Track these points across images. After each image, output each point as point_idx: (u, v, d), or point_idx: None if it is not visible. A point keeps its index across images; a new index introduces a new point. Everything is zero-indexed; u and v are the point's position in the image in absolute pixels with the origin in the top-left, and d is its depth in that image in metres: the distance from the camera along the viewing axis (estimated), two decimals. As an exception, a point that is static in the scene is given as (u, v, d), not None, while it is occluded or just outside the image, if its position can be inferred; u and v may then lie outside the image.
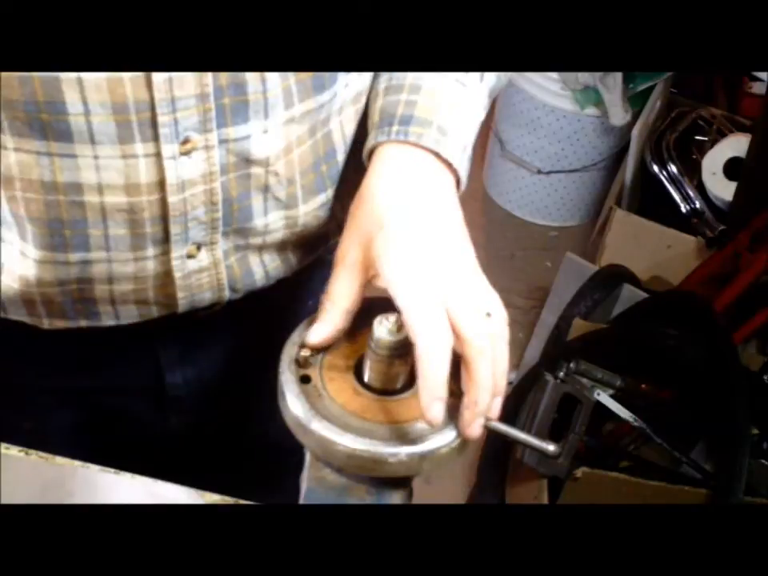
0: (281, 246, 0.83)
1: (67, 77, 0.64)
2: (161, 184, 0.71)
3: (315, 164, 0.79)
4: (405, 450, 0.62)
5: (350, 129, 0.82)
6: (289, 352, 0.67)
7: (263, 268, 0.83)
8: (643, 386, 1.70)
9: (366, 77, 0.81)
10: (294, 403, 0.64)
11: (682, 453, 1.63)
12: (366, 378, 0.66)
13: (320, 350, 0.67)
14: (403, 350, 0.64)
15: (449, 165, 0.73)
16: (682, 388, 1.71)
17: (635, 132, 2.26)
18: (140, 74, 0.66)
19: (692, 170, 2.30)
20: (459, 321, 0.63)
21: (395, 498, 0.65)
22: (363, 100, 0.82)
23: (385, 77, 0.79)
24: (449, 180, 0.73)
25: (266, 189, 0.77)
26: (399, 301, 0.63)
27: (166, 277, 0.78)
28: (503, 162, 2.63)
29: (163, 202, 0.72)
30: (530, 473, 1.65)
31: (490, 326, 0.64)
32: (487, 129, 2.64)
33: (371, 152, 0.74)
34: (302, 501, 0.66)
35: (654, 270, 2.15)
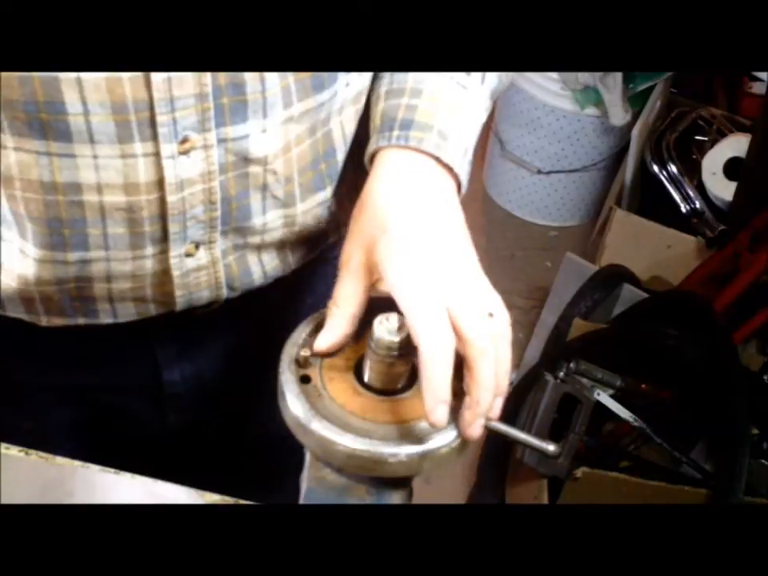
0: (279, 245, 0.83)
1: (67, 77, 0.64)
2: (159, 183, 0.71)
3: (314, 162, 0.80)
4: (405, 450, 0.62)
5: (350, 128, 0.82)
6: (289, 352, 0.67)
7: (261, 267, 0.83)
8: (643, 386, 1.70)
9: (366, 76, 0.81)
10: (294, 403, 0.64)
11: (682, 453, 1.63)
12: (366, 378, 0.66)
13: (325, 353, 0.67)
14: (403, 350, 0.64)
15: (449, 169, 0.73)
16: (681, 388, 1.71)
17: (635, 132, 2.26)
18: (139, 74, 0.66)
19: (692, 170, 2.30)
20: (461, 322, 0.63)
21: (395, 497, 0.65)
22: (363, 99, 0.82)
23: (386, 80, 0.79)
24: (450, 184, 0.73)
25: (264, 187, 0.77)
26: (402, 304, 0.64)
27: (164, 275, 0.78)
28: (503, 162, 2.63)
29: (162, 201, 0.72)
30: (530, 473, 1.65)
31: (492, 327, 0.64)
32: (487, 129, 2.64)
33: (372, 156, 0.74)
34: (301, 501, 0.66)
35: (654, 269, 2.15)
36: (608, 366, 1.66)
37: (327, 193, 0.82)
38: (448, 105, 0.76)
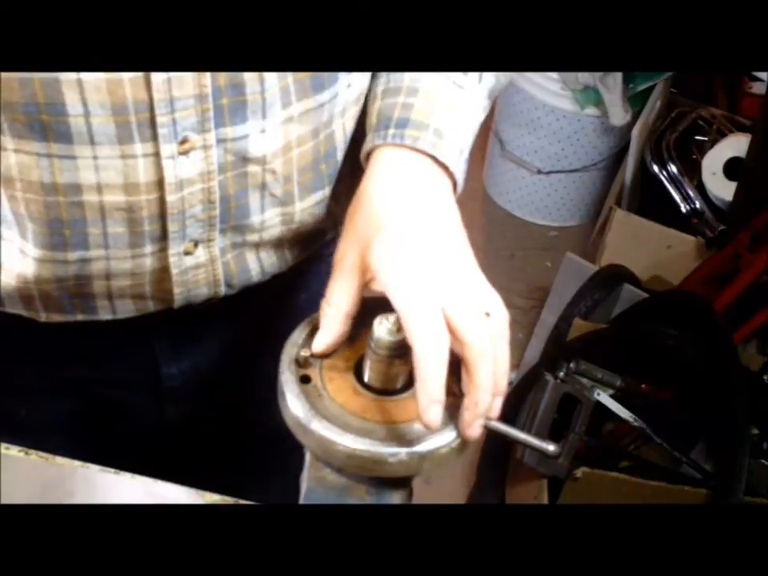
0: (277, 243, 0.83)
1: (67, 78, 0.65)
2: (159, 183, 0.72)
3: (315, 163, 0.80)
4: (405, 450, 0.62)
5: (351, 128, 0.82)
6: (289, 352, 0.67)
7: (259, 264, 0.83)
8: (643, 386, 1.70)
9: (368, 77, 0.81)
10: (294, 403, 0.64)
11: (682, 453, 1.63)
12: (365, 378, 0.66)
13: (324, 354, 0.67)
14: (403, 350, 0.64)
15: (445, 168, 0.73)
16: (681, 388, 1.71)
17: (635, 132, 2.26)
18: (139, 75, 0.66)
19: (692, 170, 2.30)
20: (458, 323, 0.63)
21: (395, 497, 0.65)
22: (363, 99, 0.82)
23: (383, 79, 0.79)
24: (445, 183, 0.73)
25: (263, 186, 0.77)
26: (396, 304, 0.63)
27: (163, 273, 0.78)
28: (503, 162, 2.63)
29: (161, 201, 0.73)
30: (530, 473, 1.65)
31: (490, 327, 0.64)
32: (487, 129, 2.64)
33: (368, 155, 0.74)
34: (301, 501, 0.66)
35: (654, 269, 2.15)
36: (608, 366, 1.66)
37: (326, 192, 0.83)
38: (444, 104, 0.76)
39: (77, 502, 0.74)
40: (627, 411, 1.60)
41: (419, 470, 0.63)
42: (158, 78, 0.66)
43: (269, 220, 0.80)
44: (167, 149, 0.70)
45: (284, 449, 0.69)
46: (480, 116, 0.81)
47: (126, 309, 0.81)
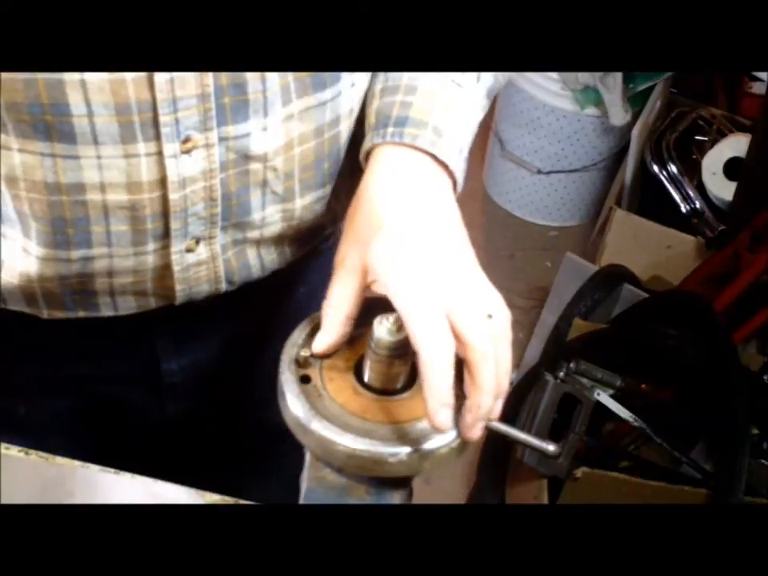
0: (277, 239, 0.83)
1: (71, 79, 0.65)
2: (162, 182, 0.72)
3: (318, 162, 0.80)
4: (405, 450, 0.62)
5: (354, 128, 0.82)
6: (289, 352, 0.67)
7: (260, 260, 0.84)
8: (643, 386, 1.70)
9: (370, 76, 0.81)
10: (294, 403, 0.64)
11: (682, 453, 1.63)
12: (366, 378, 0.66)
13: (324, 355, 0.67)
14: (403, 350, 0.64)
15: (445, 166, 0.73)
16: (681, 388, 1.71)
17: (635, 132, 2.26)
18: (142, 76, 0.67)
19: (692, 170, 2.30)
20: (460, 324, 0.62)
21: (395, 497, 0.65)
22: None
23: (381, 78, 0.79)
24: (445, 181, 0.73)
25: (264, 184, 0.77)
26: (399, 306, 0.63)
27: (165, 270, 0.79)
28: (503, 162, 2.63)
29: (164, 199, 0.73)
30: (530, 473, 1.65)
31: (492, 328, 0.64)
32: (487, 129, 2.64)
33: (368, 154, 0.74)
34: (301, 501, 0.66)
35: (654, 269, 2.15)
36: (608, 366, 1.66)
37: (326, 189, 0.83)
38: (443, 102, 0.76)
39: (77, 501, 0.74)
40: (627, 411, 1.60)
41: (419, 470, 0.63)
42: (161, 78, 0.67)
43: (269, 217, 0.80)
44: (170, 148, 0.70)
45: (284, 449, 0.69)
46: (479, 114, 0.81)
47: (128, 306, 0.82)
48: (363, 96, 0.81)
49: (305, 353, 0.66)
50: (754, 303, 1.85)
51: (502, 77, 0.85)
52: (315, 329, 0.68)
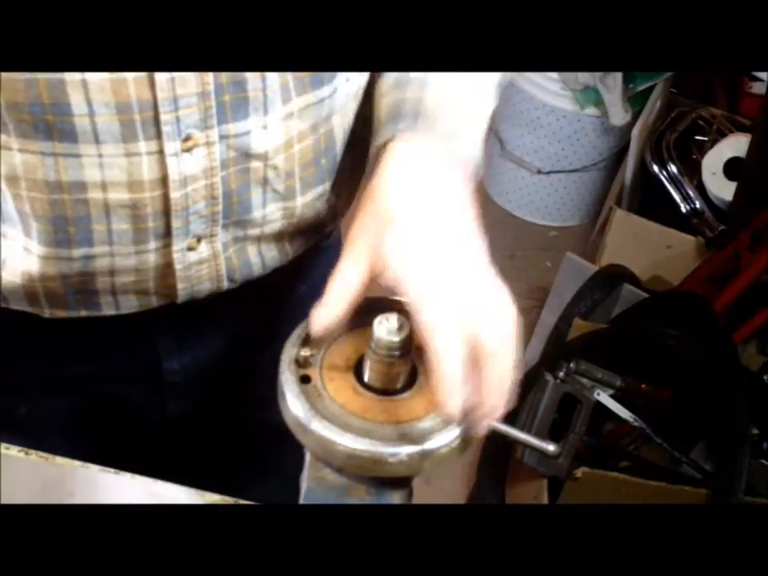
0: (278, 237, 0.84)
1: (72, 78, 0.65)
2: (163, 180, 0.72)
3: (315, 158, 0.80)
4: (405, 450, 0.62)
5: (349, 123, 0.82)
6: (289, 352, 0.67)
7: (261, 258, 0.84)
8: (643, 386, 1.70)
9: (366, 72, 0.81)
10: (294, 403, 0.64)
11: (682, 453, 1.63)
12: (366, 378, 0.66)
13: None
14: (403, 350, 0.64)
15: (460, 159, 0.72)
16: (681, 388, 1.71)
17: (635, 132, 2.26)
18: (143, 75, 0.67)
19: (692, 170, 2.30)
20: (469, 320, 0.62)
21: (395, 497, 0.65)
22: (361, 94, 0.82)
23: (389, 73, 0.79)
24: (460, 174, 0.72)
25: (264, 182, 0.78)
26: (410, 298, 0.63)
27: (166, 269, 0.79)
28: (503, 162, 2.63)
29: (165, 198, 0.73)
30: (530, 473, 1.65)
31: (500, 325, 0.64)
32: (487, 129, 2.64)
33: (381, 149, 0.74)
34: (301, 501, 0.65)
35: (654, 269, 2.15)
36: (608, 366, 1.66)
37: (326, 186, 0.83)
38: (455, 96, 0.75)
39: (77, 502, 0.74)
40: (627, 411, 1.60)
41: (419, 470, 0.63)
42: (161, 77, 0.67)
43: (270, 215, 0.80)
44: (171, 146, 0.71)
45: (284, 449, 0.69)
46: (489, 108, 0.81)
47: (130, 304, 0.82)
48: (356, 90, 0.81)
49: (305, 353, 0.66)
50: (754, 303, 1.85)
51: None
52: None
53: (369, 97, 0.85)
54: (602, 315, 2.00)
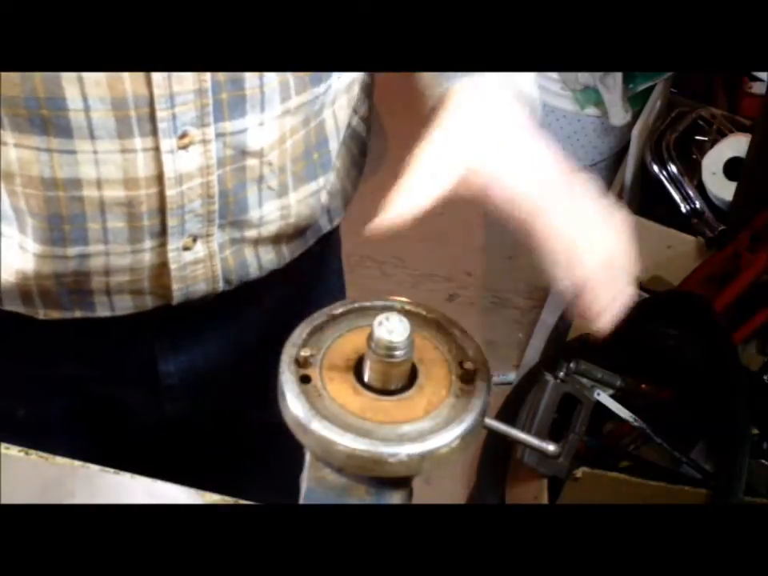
0: (275, 239, 0.83)
1: (68, 73, 0.65)
2: (159, 178, 0.72)
3: (307, 152, 0.80)
4: (405, 450, 0.62)
5: (343, 117, 0.82)
6: (289, 352, 0.67)
7: (257, 260, 0.84)
8: (643, 386, 1.70)
9: None
10: (294, 403, 0.64)
11: (682, 453, 1.63)
12: (365, 378, 0.66)
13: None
14: (403, 350, 0.64)
15: (522, 95, 0.73)
16: (681, 388, 1.71)
17: (635, 132, 2.26)
18: None
19: (692, 170, 2.30)
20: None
21: (395, 497, 0.65)
22: (356, 88, 0.83)
23: None
24: (523, 109, 0.73)
25: (260, 179, 0.78)
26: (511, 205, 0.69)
27: (161, 268, 0.79)
28: (503, 162, 2.63)
29: (161, 196, 0.73)
30: (530, 473, 1.65)
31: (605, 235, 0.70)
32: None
33: (443, 93, 0.73)
34: (301, 501, 0.65)
35: (654, 269, 2.15)
36: (608, 366, 1.66)
37: (319, 183, 0.83)
38: None
39: (77, 502, 0.74)
40: (627, 411, 1.60)
41: (419, 470, 0.63)
42: (158, 73, 0.67)
43: (267, 215, 0.80)
44: (167, 143, 0.70)
45: (284, 449, 0.69)
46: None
47: (125, 305, 0.81)
48: (348, 84, 0.81)
49: (305, 353, 0.66)
50: (754, 303, 1.85)
51: None
52: (315, 329, 0.68)
53: (368, 96, 0.85)
54: (602, 315, 2.00)
